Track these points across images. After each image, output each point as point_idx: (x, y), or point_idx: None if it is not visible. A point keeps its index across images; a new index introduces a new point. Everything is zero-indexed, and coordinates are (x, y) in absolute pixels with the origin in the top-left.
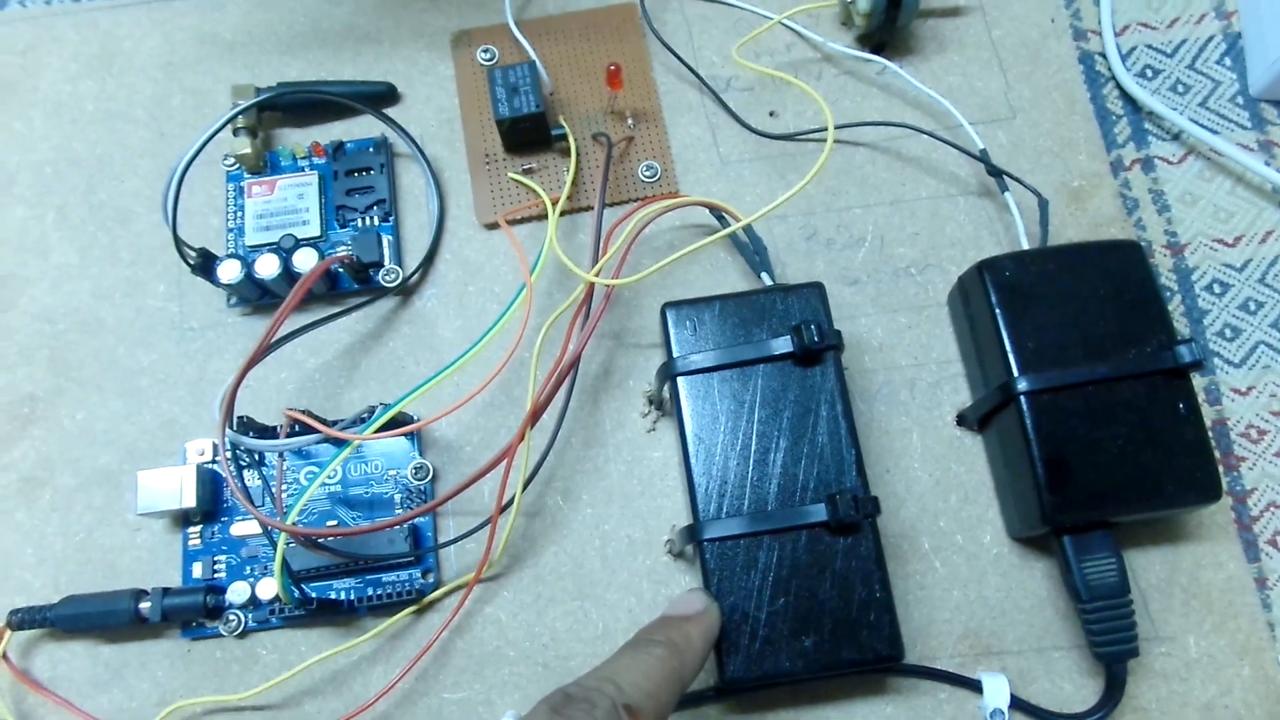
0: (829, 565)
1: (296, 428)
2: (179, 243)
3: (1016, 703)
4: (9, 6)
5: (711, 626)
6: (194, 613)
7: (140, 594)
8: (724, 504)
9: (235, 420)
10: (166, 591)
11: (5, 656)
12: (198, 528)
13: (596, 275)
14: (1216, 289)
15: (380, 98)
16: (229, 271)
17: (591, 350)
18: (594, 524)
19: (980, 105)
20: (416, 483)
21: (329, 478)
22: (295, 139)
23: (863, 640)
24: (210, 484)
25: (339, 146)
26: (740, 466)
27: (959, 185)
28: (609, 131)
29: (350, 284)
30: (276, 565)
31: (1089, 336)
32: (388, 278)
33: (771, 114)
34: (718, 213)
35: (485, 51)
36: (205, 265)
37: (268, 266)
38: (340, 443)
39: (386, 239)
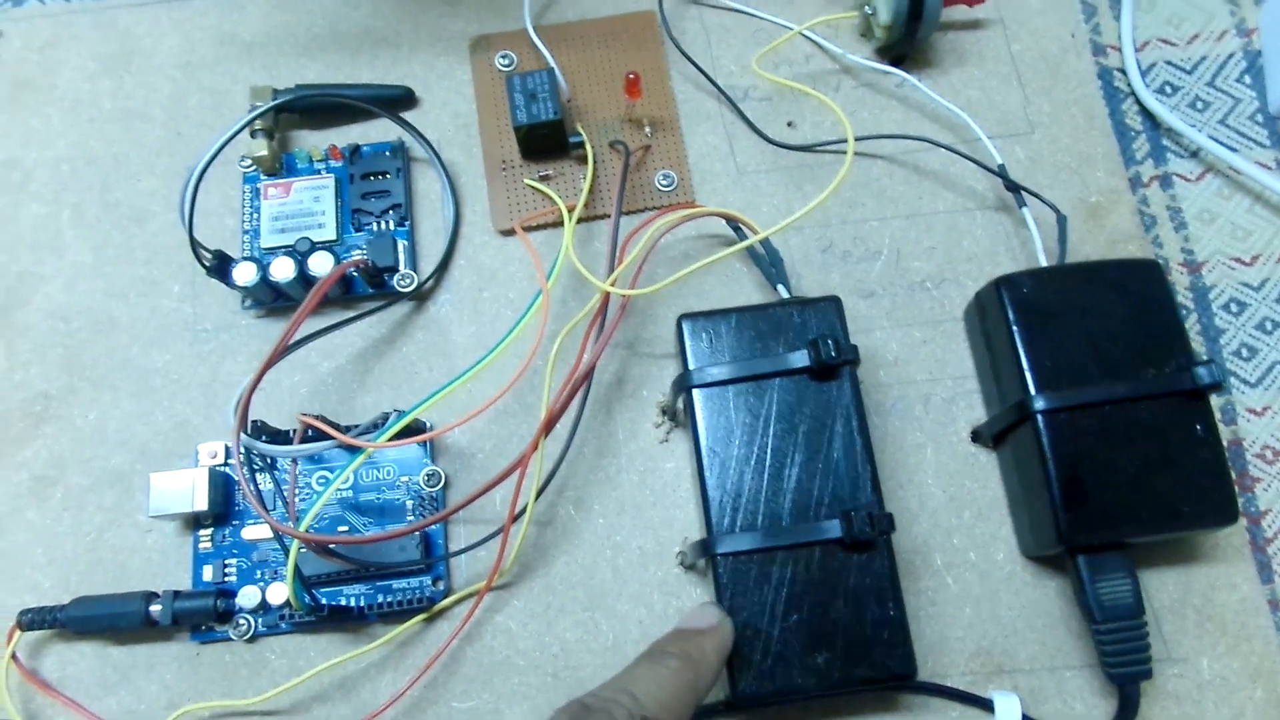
0: (842, 582)
1: (310, 433)
2: (195, 245)
3: None
4: (28, 4)
5: (725, 641)
6: (204, 616)
7: (151, 596)
8: (738, 518)
9: (249, 424)
10: (177, 595)
11: (14, 657)
12: (209, 530)
13: (612, 284)
14: (1234, 308)
15: (397, 101)
16: (244, 274)
17: (605, 359)
18: (605, 534)
19: (999, 119)
20: (428, 489)
21: (341, 484)
22: (312, 141)
23: (875, 658)
24: (222, 487)
25: (355, 150)
26: (754, 481)
27: (976, 199)
28: (626, 139)
29: (364, 288)
30: (289, 572)
31: (1106, 356)
32: (402, 283)
33: (789, 125)
34: (734, 223)
35: (504, 57)
36: (221, 267)
37: (283, 269)
38: (353, 449)
39: (402, 243)
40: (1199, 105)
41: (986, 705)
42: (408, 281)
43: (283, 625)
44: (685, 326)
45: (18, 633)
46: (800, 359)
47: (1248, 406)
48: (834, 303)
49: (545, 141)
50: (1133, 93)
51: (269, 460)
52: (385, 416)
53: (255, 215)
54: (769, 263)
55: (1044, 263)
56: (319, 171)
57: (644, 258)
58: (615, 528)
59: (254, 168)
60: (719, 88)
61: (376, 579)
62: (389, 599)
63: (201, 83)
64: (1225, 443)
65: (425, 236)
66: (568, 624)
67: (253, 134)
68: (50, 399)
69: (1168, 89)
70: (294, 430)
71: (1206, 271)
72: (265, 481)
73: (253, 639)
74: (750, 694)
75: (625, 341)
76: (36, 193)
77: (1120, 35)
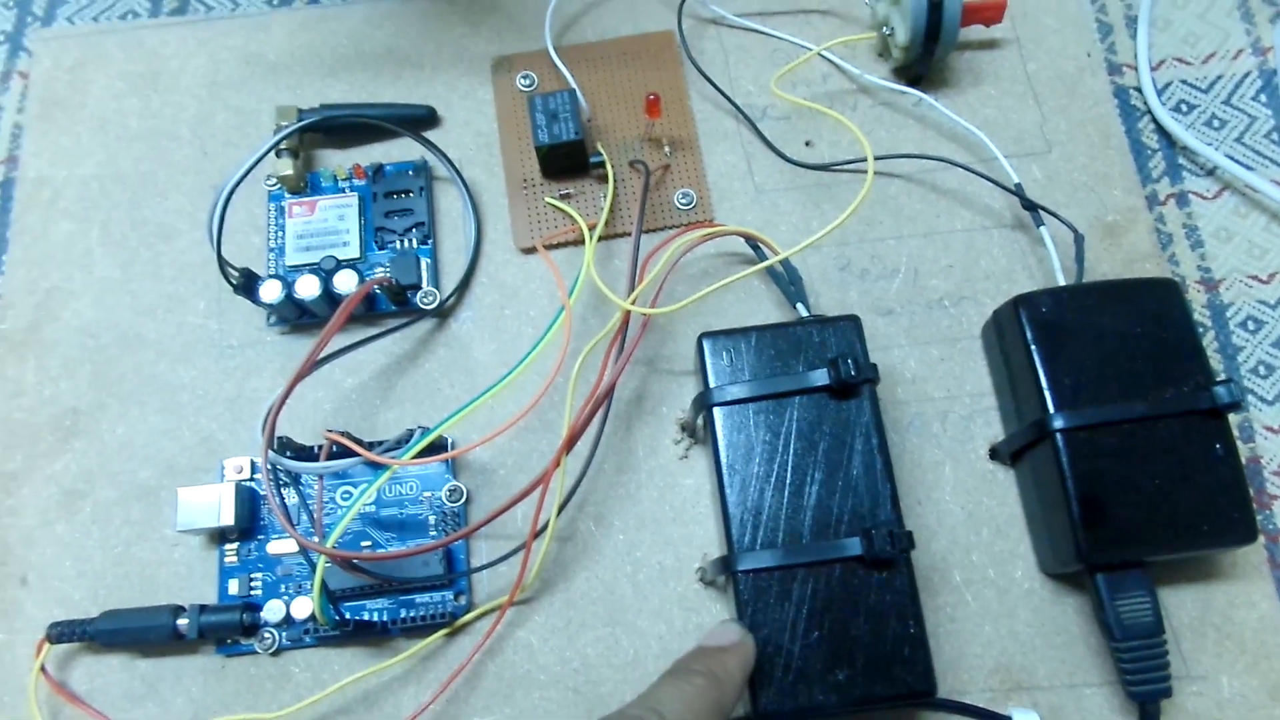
0: (863, 599)
1: (335, 449)
2: (223, 263)
3: None
4: (57, 24)
5: (748, 657)
6: (230, 630)
7: (178, 610)
8: (758, 536)
9: (275, 440)
10: (203, 608)
11: (44, 669)
12: (234, 545)
13: (633, 303)
14: (1251, 326)
15: (420, 121)
16: (270, 292)
17: (625, 376)
18: (626, 550)
19: (1015, 138)
20: (450, 505)
21: (365, 500)
22: (336, 160)
23: (896, 675)
24: (248, 502)
25: (379, 169)
26: (775, 498)
27: (993, 218)
28: (646, 159)
29: (388, 305)
30: (315, 587)
31: (1125, 374)
32: (425, 300)
33: (807, 144)
34: (753, 242)
35: (525, 77)
36: (248, 285)
37: (308, 287)
38: (378, 465)
39: (424, 261)
40: (1215, 123)
41: None
42: (430, 299)
43: (307, 639)
44: (706, 345)
45: (47, 645)
46: (820, 377)
47: (1266, 424)
48: (853, 321)
49: (566, 161)
50: (1149, 111)
51: (293, 475)
52: (410, 433)
53: (280, 233)
54: (788, 281)
55: (1061, 281)
56: (343, 190)
57: (664, 276)
58: (635, 544)
59: (279, 186)
60: (738, 107)
61: (399, 594)
62: (412, 614)
63: (227, 102)
64: (1244, 460)
65: (447, 254)
66: (588, 639)
67: (278, 153)
68: (79, 414)
69: (1184, 107)
70: (319, 446)
71: (1224, 289)
72: (290, 496)
73: (277, 652)
74: (772, 711)
75: (645, 359)
76: (66, 210)
77: (1136, 54)
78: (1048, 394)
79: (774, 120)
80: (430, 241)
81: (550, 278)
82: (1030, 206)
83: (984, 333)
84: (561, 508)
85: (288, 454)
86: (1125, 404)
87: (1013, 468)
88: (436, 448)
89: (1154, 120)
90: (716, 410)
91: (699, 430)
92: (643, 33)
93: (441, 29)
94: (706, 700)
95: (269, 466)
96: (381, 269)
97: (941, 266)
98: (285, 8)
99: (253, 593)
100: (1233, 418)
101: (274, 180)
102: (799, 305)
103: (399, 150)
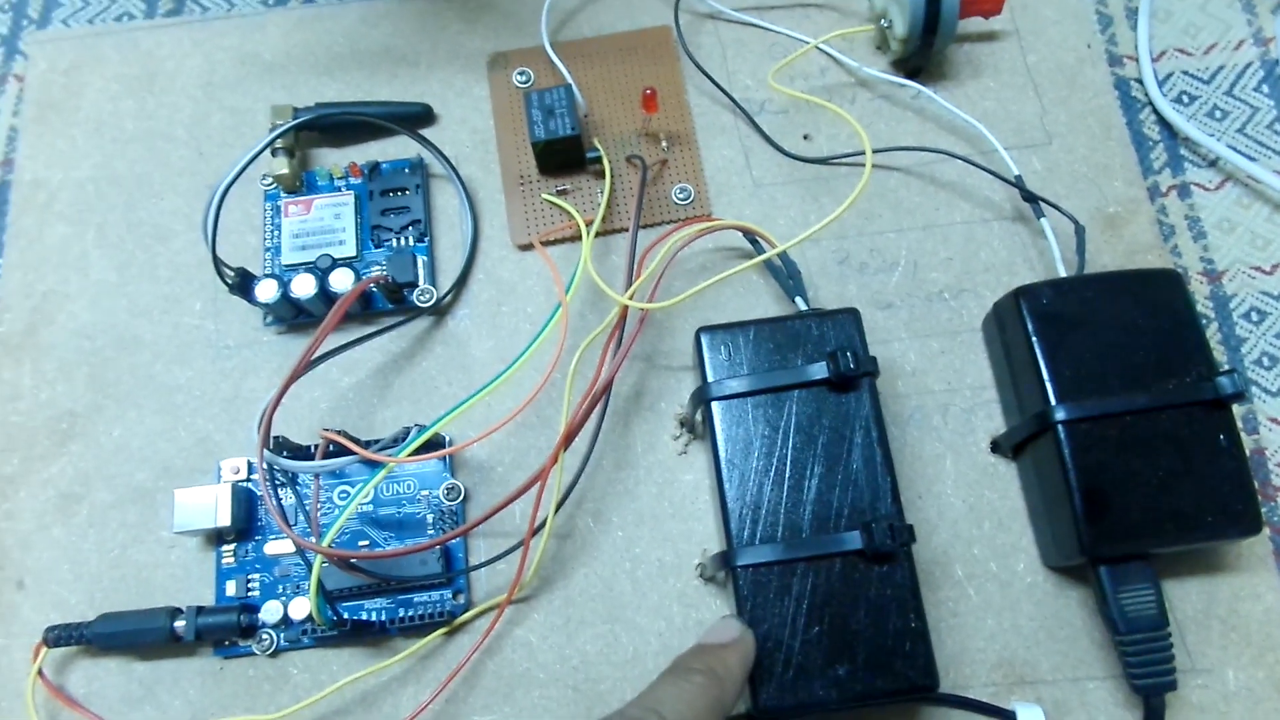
0: (863, 593)
1: (332, 448)
2: (218, 263)
3: None
4: (52, 26)
5: (748, 654)
6: (228, 631)
7: (175, 612)
8: (758, 530)
9: (271, 439)
10: (201, 610)
11: (41, 673)
12: (231, 546)
13: (630, 298)
14: (1254, 317)
15: (416, 119)
16: (266, 291)
17: (623, 372)
18: (624, 546)
19: (1015, 130)
20: (448, 503)
21: (362, 499)
22: (332, 159)
23: (897, 670)
24: (245, 502)
25: (375, 167)
26: (774, 493)
27: (993, 210)
28: (643, 154)
29: (384, 303)
30: (312, 587)
31: (1127, 366)
32: (422, 298)
33: (805, 137)
34: (751, 236)
35: (521, 74)
36: (243, 285)
37: (304, 286)
38: (374, 464)
39: (421, 259)
40: (1217, 114)
41: (1009, 717)
42: (427, 297)
43: (305, 640)
44: (704, 339)
45: (44, 649)
46: (819, 371)
47: (1270, 416)
48: (852, 314)
49: (563, 157)
50: (1150, 102)
51: (290, 475)
52: (406, 431)
53: (276, 232)
54: (786, 275)
55: (1062, 273)
56: (339, 189)
57: (662, 271)
58: (634, 540)
59: (275, 185)
60: (735, 101)
61: (397, 593)
62: (410, 613)
63: (223, 102)
64: (1248, 452)
65: (444, 252)
66: (588, 636)
67: (273, 152)
68: (76, 416)
69: (1185, 98)
70: (315, 445)
71: (1226, 280)
72: (287, 496)
73: (275, 654)
74: (772, 706)
75: (642, 354)
76: (62, 212)
77: (1137, 45)
78: (1049, 386)
79: (772, 114)
80: (427, 239)
81: (547, 274)
82: (1030, 198)
83: (984, 325)
84: (560, 504)
85: (284, 453)
86: (1128, 395)
87: (1014, 460)
88: (433, 445)
89: (1155, 111)
90: (715, 405)
91: (698, 425)
92: (639, 28)
93: (437, 26)
94: (707, 698)
95: (265, 466)
96: (378, 267)
97: (941, 259)
98: (280, 7)
99: (250, 594)
100: (1237, 409)
101: (270, 180)
102: (798, 299)
103: (395, 148)
